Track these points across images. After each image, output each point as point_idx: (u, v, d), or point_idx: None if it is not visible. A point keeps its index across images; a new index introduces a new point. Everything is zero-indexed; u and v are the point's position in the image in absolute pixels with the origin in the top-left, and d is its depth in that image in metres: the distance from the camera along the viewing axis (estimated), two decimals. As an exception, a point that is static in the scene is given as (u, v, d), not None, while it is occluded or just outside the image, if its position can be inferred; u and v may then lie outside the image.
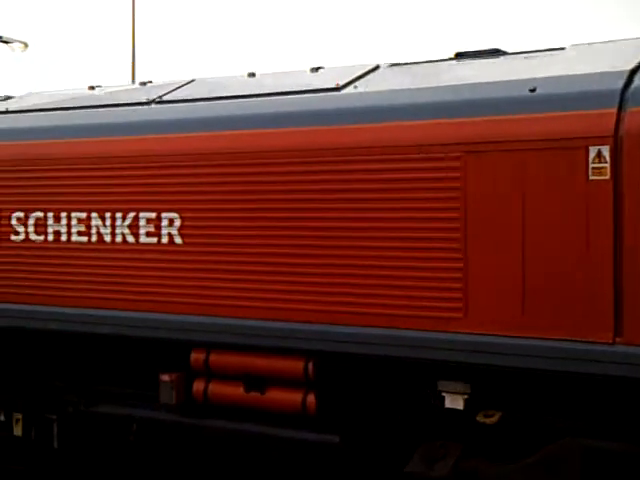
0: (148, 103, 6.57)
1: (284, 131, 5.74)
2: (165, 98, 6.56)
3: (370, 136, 5.39)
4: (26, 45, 27.93)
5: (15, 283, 6.73)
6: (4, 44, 27.47)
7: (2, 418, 7.01)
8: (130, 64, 28.47)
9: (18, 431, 6.95)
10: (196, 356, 6.02)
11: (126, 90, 7.11)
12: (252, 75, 6.73)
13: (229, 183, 5.80)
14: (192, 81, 6.94)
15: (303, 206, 5.49)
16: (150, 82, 7.28)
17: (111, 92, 7.13)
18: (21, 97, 7.86)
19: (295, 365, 5.61)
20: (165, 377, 6.14)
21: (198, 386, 6.05)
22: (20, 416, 6.94)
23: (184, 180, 6.01)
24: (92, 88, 7.53)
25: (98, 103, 6.80)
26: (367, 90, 5.70)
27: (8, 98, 8.03)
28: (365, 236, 5.32)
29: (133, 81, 27.77)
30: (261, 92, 6.16)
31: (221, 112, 6.06)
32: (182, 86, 6.82)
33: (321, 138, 5.57)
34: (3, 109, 7.30)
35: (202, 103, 6.29)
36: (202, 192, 5.92)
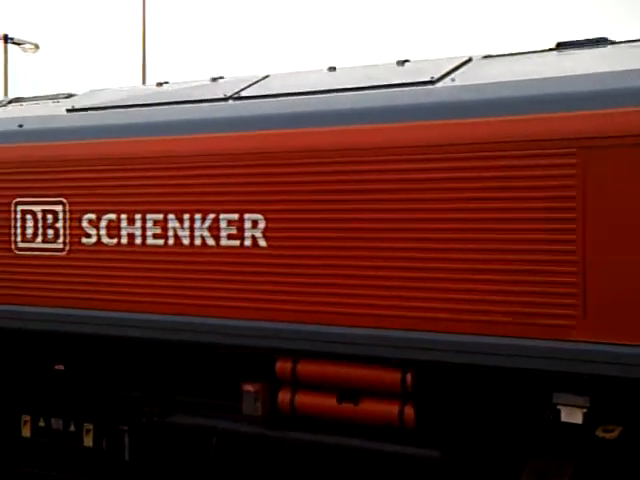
0: (225, 99, 6.27)
1: (376, 128, 5.41)
2: (243, 94, 6.26)
3: (472, 131, 5.05)
4: (37, 46, 27.97)
5: (86, 288, 6.46)
6: (16, 45, 27.57)
7: (72, 428, 6.74)
8: (135, 64, 28.42)
9: (89, 442, 6.68)
10: (282, 365, 5.71)
11: (199, 86, 6.80)
12: (332, 69, 6.41)
13: (318, 182, 5.48)
14: (267, 77, 6.63)
15: (407, 207, 5.15)
16: (221, 78, 6.98)
17: (183, 89, 6.83)
18: (84, 95, 7.58)
19: (392, 376, 5.29)
20: (249, 387, 5.84)
21: (284, 396, 5.74)
22: (91, 426, 6.67)
23: (268, 179, 5.70)
24: (160, 84, 7.25)
25: (172, 100, 6.50)
26: (466, 83, 5.36)
27: (70, 96, 7.77)
28: (472, 238, 4.98)
29: (144, 81, 27.58)
30: (347, 86, 5.83)
31: (305, 108, 5.74)
32: (257, 82, 6.50)
33: (419, 134, 5.23)
34: (69, 107, 7.03)
35: (283, 99, 5.98)
36: (288, 192, 5.60)
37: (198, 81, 7.06)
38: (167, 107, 6.44)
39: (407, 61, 6.13)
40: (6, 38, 27.43)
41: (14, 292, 6.81)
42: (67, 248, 6.55)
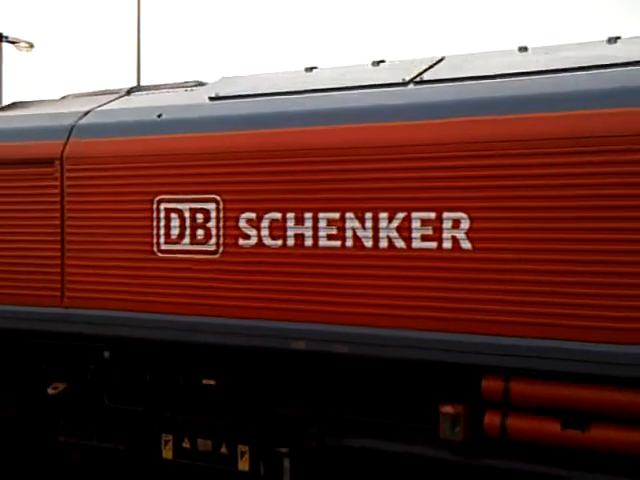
0: (404, 84, 5.59)
1: (606, 112, 4.71)
2: (425, 77, 5.58)
3: None
4: (32, 45, 27.51)
5: (243, 295, 5.79)
6: (10, 44, 27.17)
7: (224, 450, 6.08)
8: (130, 63, 28.26)
9: (244, 466, 6.01)
10: (490, 384, 5.02)
11: (363, 71, 6.10)
12: (524, 49, 5.70)
13: (544, 176, 4.78)
14: (442, 59, 5.93)
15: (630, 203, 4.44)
16: (383, 61, 6.29)
17: (344, 74, 6.14)
18: (218, 82, 6.85)
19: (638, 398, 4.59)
20: (448, 409, 5.15)
21: (492, 420, 5.04)
22: (246, 448, 6.00)
23: (474, 173, 5.01)
24: (309, 70, 6.56)
25: (339, 85, 5.82)
26: None
27: (200, 84, 7.11)
28: None
29: (138, 80, 26.97)
30: (555, 67, 5.14)
31: (518, 91, 5.05)
32: (435, 64, 5.82)
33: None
34: (212, 94, 6.36)
35: (480, 82, 5.29)
36: (501, 187, 4.91)
37: (356, 66, 6.37)
38: (335, 93, 5.76)
39: (618, 38, 5.43)
40: (0, 37, 27.02)
41: (155, 298, 6.15)
42: (221, 250, 5.89)
